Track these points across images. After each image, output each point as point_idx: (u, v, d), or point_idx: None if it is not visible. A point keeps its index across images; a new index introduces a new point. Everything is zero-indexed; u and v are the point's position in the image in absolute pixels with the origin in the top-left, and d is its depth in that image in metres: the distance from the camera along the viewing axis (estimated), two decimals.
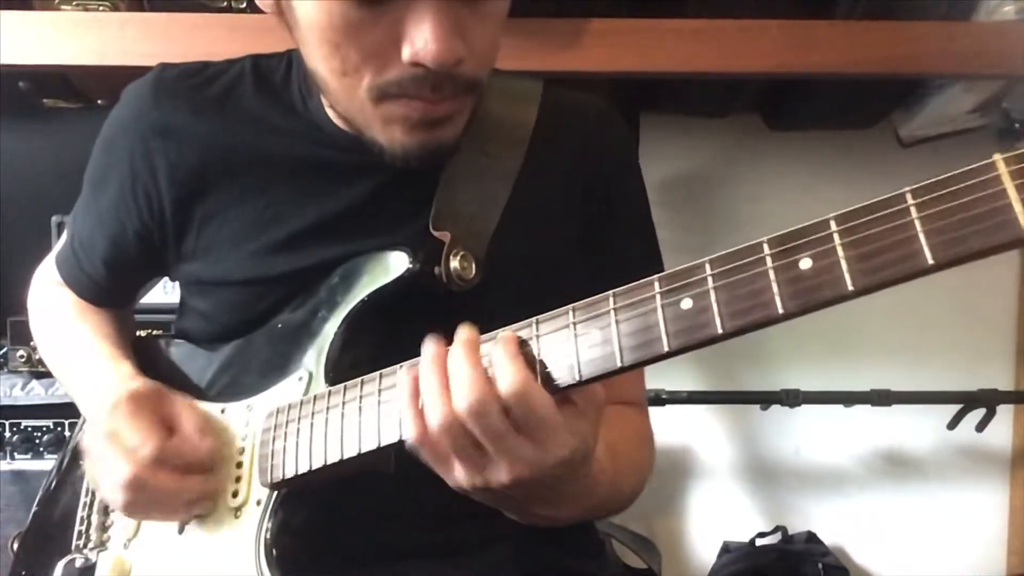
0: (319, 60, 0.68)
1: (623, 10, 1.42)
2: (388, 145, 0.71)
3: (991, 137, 1.54)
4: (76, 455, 0.93)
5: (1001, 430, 1.91)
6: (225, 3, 1.37)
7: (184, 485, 0.72)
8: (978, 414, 1.62)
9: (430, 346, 0.59)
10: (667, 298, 0.53)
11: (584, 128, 0.88)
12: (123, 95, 0.85)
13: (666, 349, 0.53)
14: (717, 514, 1.94)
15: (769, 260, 0.49)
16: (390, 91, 0.67)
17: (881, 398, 1.63)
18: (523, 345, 0.58)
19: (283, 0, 0.70)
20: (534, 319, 0.59)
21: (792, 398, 1.64)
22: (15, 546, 0.91)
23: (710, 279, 0.52)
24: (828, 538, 1.86)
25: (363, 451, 0.65)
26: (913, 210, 0.45)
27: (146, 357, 0.90)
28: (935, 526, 1.95)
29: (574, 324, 0.57)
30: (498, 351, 0.57)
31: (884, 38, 1.38)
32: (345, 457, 0.67)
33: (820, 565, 1.73)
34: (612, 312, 0.55)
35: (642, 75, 1.42)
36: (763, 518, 1.93)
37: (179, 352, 0.89)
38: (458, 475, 0.59)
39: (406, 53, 0.63)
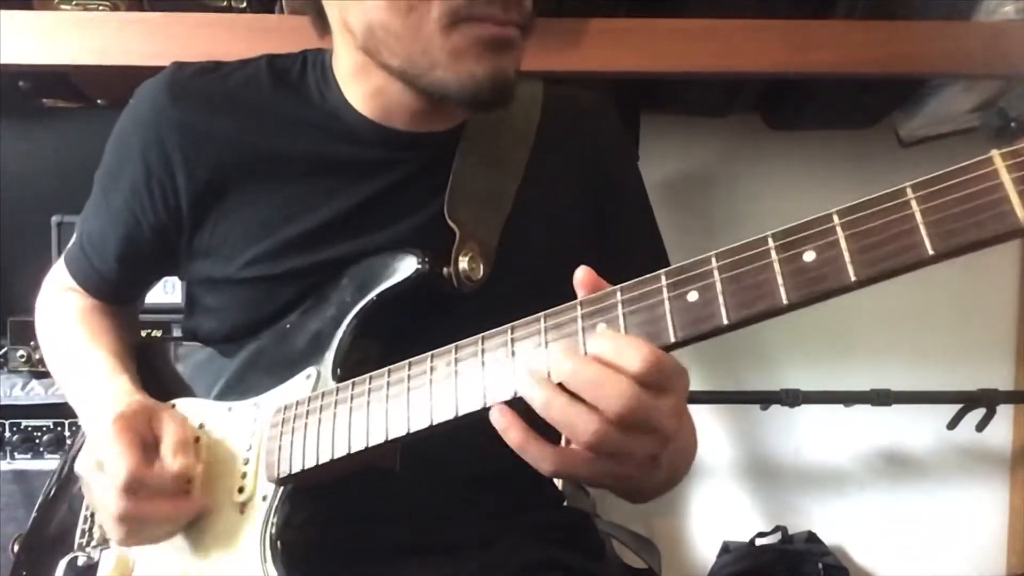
0: (383, 6, 0.70)
1: (623, 10, 1.42)
2: (457, 81, 0.71)
3: (987, 136, 1.55)
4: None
5: (1001, 430, 1.91)
6: (225, 3, 1.37)
7: (153, 511, 0.72)
8: (978, 414, 1.62)
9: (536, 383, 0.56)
10: (673, 291, 0.54)
11: (583, 122, 0.91)
12: (136, 93, 0.85)
13: (672, 340, 0.54)
14: (717, 514, 1.94)
15: (774, 253, 0.51)
16: (460, 14, 0.69)
17: (881, 398, 1.63)
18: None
19: None
20: (541, 315, 0.60)
21: (792, 398, 1.64)
22: (15, 548, 0.90)
23: (716, 271, 0.53)
24: (828, 538, 1.86)
25: (370, 445, 0.66)
26: (914, 203, 0.47)
27: (153, 360, 0.90)
28: (935, 526, 1.95)
29: (581, 317, 0.58)
30: (605, 341, 0.55)
31: (884, 38, 1.38)
32: (352, 451, 0.67)
33: (820, 565, 1.73)
34: (619, 305, 0.56)
35: (642, 75, 1.42)
36: (763, 518, 1.93)
37: (187, 354, 0.89)
38: (624, 471, 0.58)
39: None
